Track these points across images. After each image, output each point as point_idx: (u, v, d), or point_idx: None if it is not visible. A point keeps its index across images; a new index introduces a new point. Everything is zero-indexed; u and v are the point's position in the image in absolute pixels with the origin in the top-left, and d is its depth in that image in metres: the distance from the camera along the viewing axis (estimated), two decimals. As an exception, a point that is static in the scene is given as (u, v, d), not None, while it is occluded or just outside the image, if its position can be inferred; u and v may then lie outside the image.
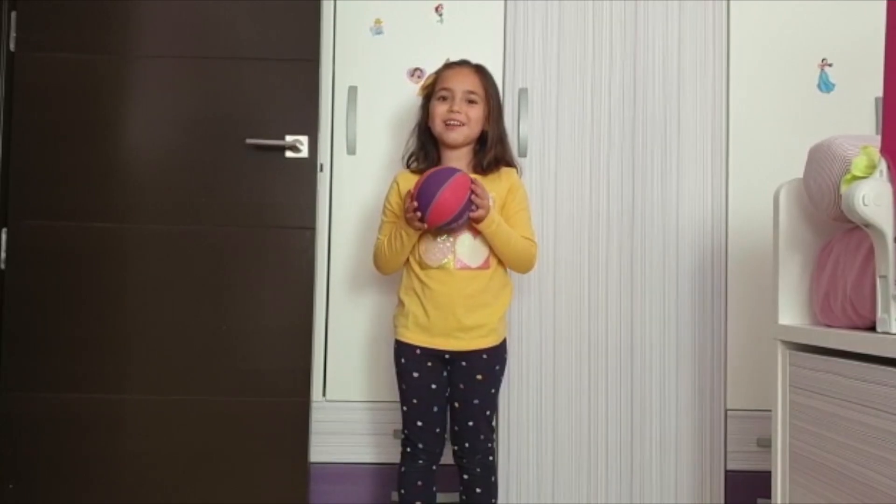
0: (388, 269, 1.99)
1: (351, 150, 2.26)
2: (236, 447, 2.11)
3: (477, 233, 1.90)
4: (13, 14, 2.15)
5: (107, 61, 2.16)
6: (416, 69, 2.27)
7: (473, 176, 1.94)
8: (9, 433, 2.10)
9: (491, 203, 1.90)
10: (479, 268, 1.92)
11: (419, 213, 1.81)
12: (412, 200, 1.83)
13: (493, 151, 1.98)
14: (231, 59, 2.15)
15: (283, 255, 2.15)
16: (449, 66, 2.03)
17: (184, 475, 2.10)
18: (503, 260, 1.96)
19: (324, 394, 2.24)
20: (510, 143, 2.08)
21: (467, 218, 1.85)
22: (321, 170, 2.21)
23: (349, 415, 2.23)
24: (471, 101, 1.96)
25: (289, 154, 2.15)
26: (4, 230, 2.13)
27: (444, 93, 1.97)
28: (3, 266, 2.12)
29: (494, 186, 1.96)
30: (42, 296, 2.12)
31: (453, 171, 1.86)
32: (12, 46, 2.15)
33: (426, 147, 2.02)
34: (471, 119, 1.96)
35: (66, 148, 2.14)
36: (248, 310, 2.14)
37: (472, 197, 1.83)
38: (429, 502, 1.96)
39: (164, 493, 2.10)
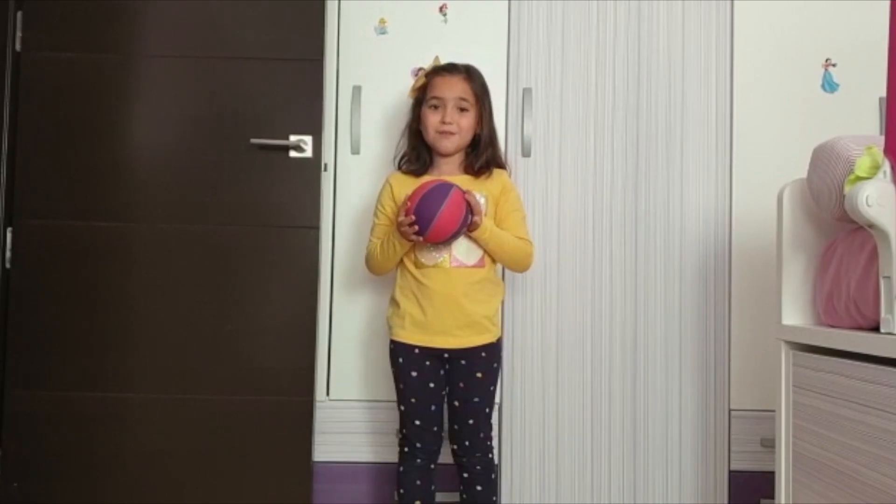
0: (381, 271, 2.00)
1: (355, 150, 2.26)
2: (240, 446, 2.11)
3: None
4: (19, 14, 2.15)
5: (112, 61, 2.17)
6: (421, 69, 2.26)
7: (465, 179, 1.96)
8: (14, 431, 2.11)
9: (483, 210, 1.91)
10: (475, 266, 1.93)
11: (415, 228, 1.82)
12: (406, 215, 1.83)
13: (484, 154, 1.99)
14: (235, 58, 2.16)
15: (287, 255, 2.15)
16: (438, 72, 2.01)
17: (188, 473, 2.11)
18: (498, 261, 1.98)
19: (327, 393, 2.24)
20: (500, 144, 2.08)
21: (464, 231, 1.87)
22: (325, 169, 2.22)
23: (352, 414, 2.24)
24: (462, 109, 1.97)
25: (293, 154, 2.15)
26: (10, 229, 2.13)
27: (434, 101, 1.98)
28: (8, 265, 2.13)
29: (487, 188, 1.97)
30: (47, 295, 2.12)
31: (448, 187, 1.85)
32: (18, 46, 2.15)
33: (418, 149, 2.03)
34: (462, 128, 1.97)
35: (71, 147, 2.14)
36: (252, 309, 2.14)
37: (470, 210, 1.84)
38: (428, 501, 1.96)
39: (169, 490, 2.10)
